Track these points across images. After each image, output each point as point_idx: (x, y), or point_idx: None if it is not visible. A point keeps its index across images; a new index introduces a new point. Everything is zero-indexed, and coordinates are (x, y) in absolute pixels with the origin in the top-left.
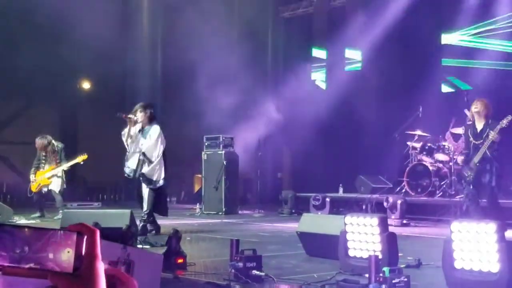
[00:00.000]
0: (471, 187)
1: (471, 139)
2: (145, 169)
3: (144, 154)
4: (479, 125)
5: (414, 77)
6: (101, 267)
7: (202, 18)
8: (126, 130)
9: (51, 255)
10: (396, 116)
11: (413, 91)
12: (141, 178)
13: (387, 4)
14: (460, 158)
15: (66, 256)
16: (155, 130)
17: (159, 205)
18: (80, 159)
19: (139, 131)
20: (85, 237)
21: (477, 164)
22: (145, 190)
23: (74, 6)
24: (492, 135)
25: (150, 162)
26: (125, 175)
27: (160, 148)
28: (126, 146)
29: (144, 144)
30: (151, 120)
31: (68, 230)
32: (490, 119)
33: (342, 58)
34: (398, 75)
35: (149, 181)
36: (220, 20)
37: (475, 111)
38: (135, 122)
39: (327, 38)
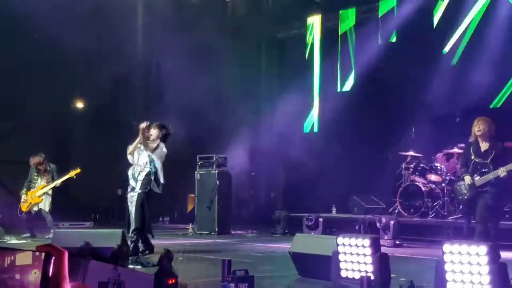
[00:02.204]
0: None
1: (473, 156)
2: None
3: (155, 173)
4: (484, 145)
5: (407, 97)
6: None
7: (195, 39)
8: (131, 146)
9: (18, 276)
10: (389, 137)
11: (405, 111)
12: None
13: (381, 25)
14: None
15: (33, 277)
16: (163, 149)
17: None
18: (73, 173)
19: (145, 148)
20: (53, 258)
21: (478, 188)
22: (132, 209)
23: (67, 26)
24: (502, 172)
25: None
26: (129, 189)
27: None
28: (131, 161)
29: (153, 161)
30: (162, 140)
31: (36, 251)
32: (495, 139)
33: (336, 78)
34: (391, 95)
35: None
36: (213, 40)
37: (479, 134)
38: (147, 138)
39: (321, 58)
